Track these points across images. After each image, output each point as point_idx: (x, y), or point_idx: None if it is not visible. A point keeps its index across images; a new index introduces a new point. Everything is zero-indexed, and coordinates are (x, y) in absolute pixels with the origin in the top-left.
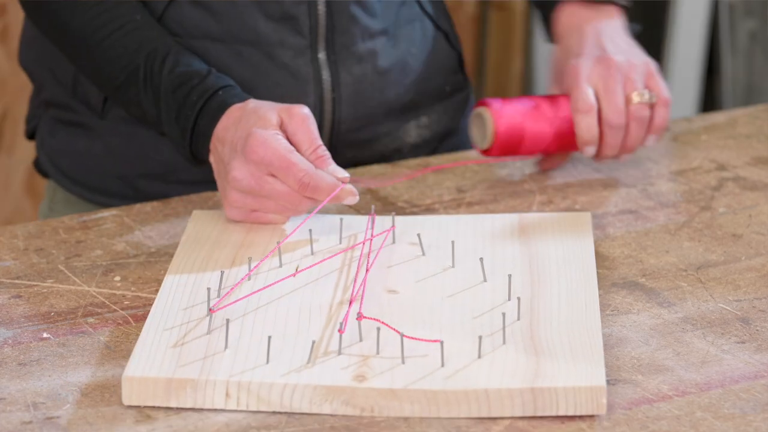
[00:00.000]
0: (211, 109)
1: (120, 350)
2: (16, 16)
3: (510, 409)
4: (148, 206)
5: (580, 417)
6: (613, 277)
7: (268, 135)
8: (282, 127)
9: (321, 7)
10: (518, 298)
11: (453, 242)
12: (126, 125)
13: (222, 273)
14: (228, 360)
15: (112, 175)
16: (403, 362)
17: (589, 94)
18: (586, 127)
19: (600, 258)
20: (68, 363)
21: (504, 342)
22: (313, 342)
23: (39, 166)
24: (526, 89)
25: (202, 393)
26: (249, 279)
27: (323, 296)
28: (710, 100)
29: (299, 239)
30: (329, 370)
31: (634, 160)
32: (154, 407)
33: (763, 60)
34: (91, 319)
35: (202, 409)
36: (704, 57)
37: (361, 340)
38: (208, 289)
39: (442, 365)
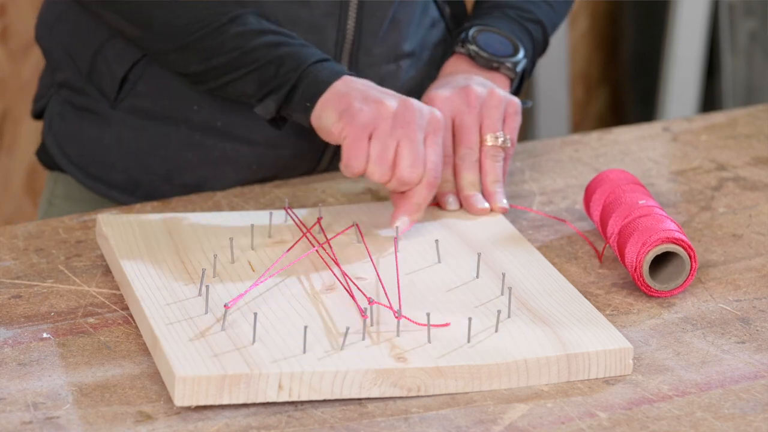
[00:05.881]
0: (330, 68)
1: (120, 350)
2: (17, 16)
3: (547, 377)
4: (148, 206)
5: (580, 417)
6: (613, 277)
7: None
8: None
9: (351, 23)
10: (503, 274)
11: (397, 228)
12: (137, 118)
13: (203, 270)
14: (264, 353)
15: (116, 167)
16: (429, 342)
17: (447, 146)
18: (445, 179)
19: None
20: (68, 363)
21: (509, 316)
22: (328, 328)
23: (43, 154)
24: (526, 89)
25: (255, 387)
26: (215, 276)
27: (295, 286)
28: (710, 100)
29: (237, 234)
30: (369, 355)
31: (634, 160)
32: (155, 408)
33: (763, 60)
34: (91, 319)
35: (202, 410)
36: (704, 57)
37: (372, 324)
38: (207, 286)
39: (468, 341)
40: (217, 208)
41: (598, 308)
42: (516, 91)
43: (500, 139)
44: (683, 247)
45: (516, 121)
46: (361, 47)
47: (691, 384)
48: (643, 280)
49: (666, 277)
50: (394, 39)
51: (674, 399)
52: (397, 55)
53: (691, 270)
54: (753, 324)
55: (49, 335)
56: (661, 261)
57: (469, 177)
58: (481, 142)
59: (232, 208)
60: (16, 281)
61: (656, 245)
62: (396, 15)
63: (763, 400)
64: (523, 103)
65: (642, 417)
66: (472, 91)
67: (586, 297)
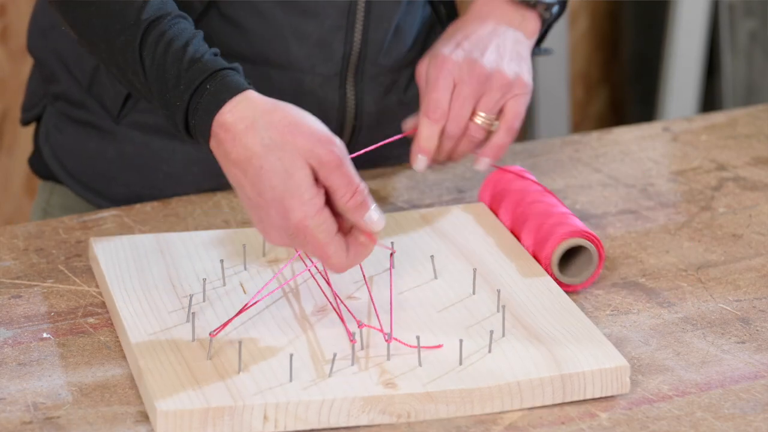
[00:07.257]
0: (220, 86)
1: (120, 350)
2: (17, 16)
3: (541, 398)
4: (147, 206)
5: (580, 417)
6: (613, 277)
7: (311, 215)
8: (314, 175)
9: (357, 35)
10: (498, 291)
11: (392, 242)
12: (140, 133)
13: (191, 296)
14: (250, 382)
15: (117, 181)
16: (420, 365)
17: (443, 103)
18: (428, 135)
19: None
20: (68, 363)
21: (503, 335)
22: (314, 355)
23: (37, 164)
24: None
25: (239, 419)
26: (204, 300)
27: (286, 309)
28: (710, 100)
29: (231, 254)
30: (357, 381)
31: (634, 160)
32: None
33: (763, 60)
34: (91, 319)
35: None
36: (704, 57)
37: (362, 348)
38: (194, 313)
39: (460, 363)
40: (217, 208)
41: (598, 308)
42: (539, 41)
43: (487, 121)
44: (582, 236)
45: (521, 102)
46: (367, 59)
47: (691, 384)
48: (560, 281)
49: (580, 267)
50: (398, 48)
51: (674, 399)
52: (401, 64)
53: (599, 253)
54: (753, 324)
55: (49, 335)
56: (571, 256)
57: (425, 132)
58: (471, 116)
59: (233, 209)
60: (16, 281)
61: (556, 246)
62: (399, 23)
63: (763, 400)
64: (545, 51)
65: (642, 417)
66: (481, 65)
67: (586, 297)
